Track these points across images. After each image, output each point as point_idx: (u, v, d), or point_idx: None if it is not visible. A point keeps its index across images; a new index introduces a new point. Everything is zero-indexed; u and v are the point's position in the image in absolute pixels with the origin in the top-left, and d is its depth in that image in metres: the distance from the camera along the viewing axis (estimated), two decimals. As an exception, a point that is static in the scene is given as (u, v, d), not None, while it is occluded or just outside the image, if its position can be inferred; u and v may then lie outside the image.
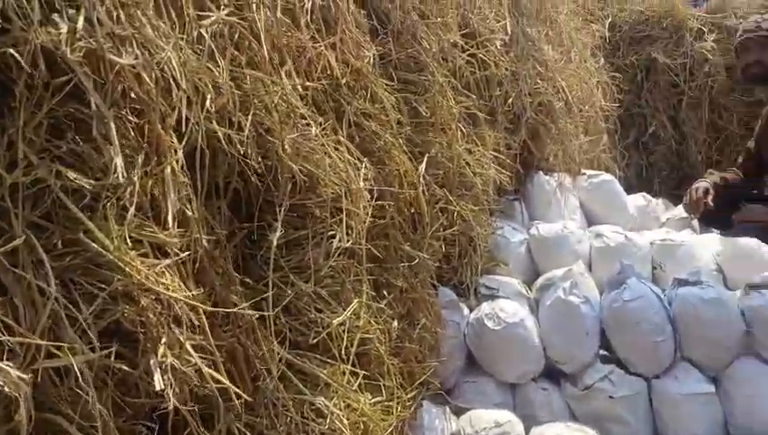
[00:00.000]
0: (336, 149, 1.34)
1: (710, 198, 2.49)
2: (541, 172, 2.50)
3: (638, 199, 2.68)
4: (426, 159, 1.66)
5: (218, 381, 0.96)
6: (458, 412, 1.86)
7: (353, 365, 1.32)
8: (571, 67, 2.81)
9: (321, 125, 1.31)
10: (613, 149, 3.41)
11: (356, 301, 1.33)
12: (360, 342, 1.35)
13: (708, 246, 2.15)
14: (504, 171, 2.06)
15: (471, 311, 1.97)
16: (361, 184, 1.30)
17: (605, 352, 1.87)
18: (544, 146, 2.49)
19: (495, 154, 2.08)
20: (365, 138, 1.47)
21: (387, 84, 1.56)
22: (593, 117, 3.01)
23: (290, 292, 1.21)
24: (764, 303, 1.73)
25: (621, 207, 2.56)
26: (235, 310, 1.04)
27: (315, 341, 1.23)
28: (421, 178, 1.60)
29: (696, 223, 2.58)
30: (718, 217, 2.49)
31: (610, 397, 1.77)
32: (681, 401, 1.74)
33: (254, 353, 1.08)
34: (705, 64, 3.41)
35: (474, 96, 2.00)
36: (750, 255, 1.99)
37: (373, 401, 1.39)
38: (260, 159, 1.11)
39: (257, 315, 1.10)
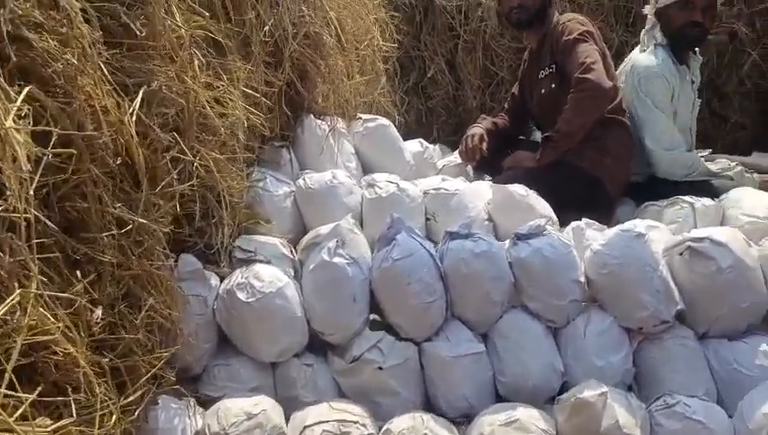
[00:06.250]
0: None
1: (485, 145, 2.46)
2: (312, 116, 2.22)
3: (414, 145, 2.54)
4: (141, 94, 1.26)
5: None
6: (208, 403, 1.56)
7: (20, 381, 0.94)
8: (344, -2, 2.54)
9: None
10: (393, 92, 3.25)
11: (18, 292, 0.94)
12: (29, 347, 0.96)
13: (481, 195, 2.06)
14: (258, 113, 1.73)
15: (223, 280, 1.65)
16: (10, 123, 0.88)
17: (375, 317, 1.68)
18: (314, 85, 2.20)
19: (249, 92, 1.74)
20: (34, 58, 1.04)
21: (73, -14, 1.13)
22: (370, 57, 2.79)
23: None
24: (530, 253, 1.65)
25: (398, 153, 2.39)
26: None
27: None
28: (132, 118, 1.21)
29: (470, 169, 2.53)
30: (490, 162, 2.46)
31: (380, 368, 1.59)
32: (452, 363, 1.61)
33: None
34: (478, 8, 3.36)
35: (217, 19, 1.62)
36: (518, 202, 1.92)
37: (65, 421, 1.03)
38: None
39: None
